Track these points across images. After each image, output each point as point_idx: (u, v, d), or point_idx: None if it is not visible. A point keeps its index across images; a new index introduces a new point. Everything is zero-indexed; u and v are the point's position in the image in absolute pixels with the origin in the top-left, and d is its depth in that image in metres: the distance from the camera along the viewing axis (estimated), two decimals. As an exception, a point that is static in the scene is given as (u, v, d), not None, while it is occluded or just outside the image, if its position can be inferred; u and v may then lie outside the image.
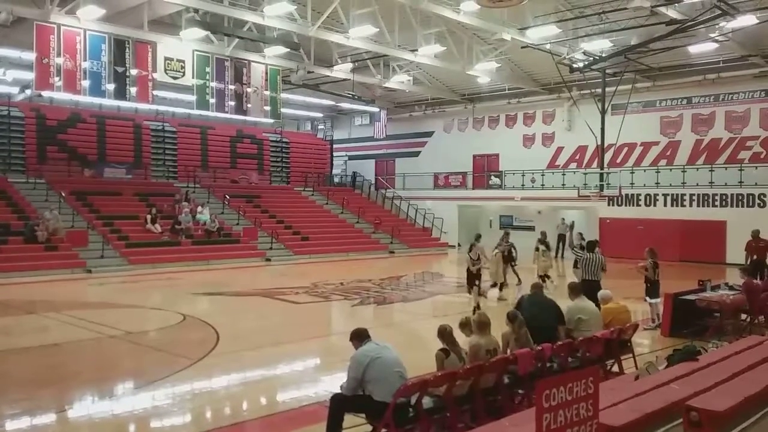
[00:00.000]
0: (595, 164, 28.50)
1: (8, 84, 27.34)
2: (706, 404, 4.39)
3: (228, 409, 7.79)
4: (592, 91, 27.67)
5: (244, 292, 17.35)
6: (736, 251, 21.33)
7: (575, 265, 13.49)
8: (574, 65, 25.62)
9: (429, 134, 37.25)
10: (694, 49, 24.12)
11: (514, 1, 17.30)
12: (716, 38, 22.53)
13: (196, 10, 21.36)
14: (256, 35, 24.07)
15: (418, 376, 6.13)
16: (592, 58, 25.14)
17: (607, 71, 26.60)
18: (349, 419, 5.96)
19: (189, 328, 12.53)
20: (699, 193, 25.41)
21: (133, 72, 22.21)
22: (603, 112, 26.92)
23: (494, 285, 15.87)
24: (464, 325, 6.99)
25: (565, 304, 8.58)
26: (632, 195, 26.96)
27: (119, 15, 21.37)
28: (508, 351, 6.98)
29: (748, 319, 11.38)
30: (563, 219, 28.33)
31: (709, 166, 26.01)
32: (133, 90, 22.53)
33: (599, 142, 27.03)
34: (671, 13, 20.36)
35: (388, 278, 20.11)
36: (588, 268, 12.03)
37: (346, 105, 35.89)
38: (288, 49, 24.86)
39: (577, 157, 30.86)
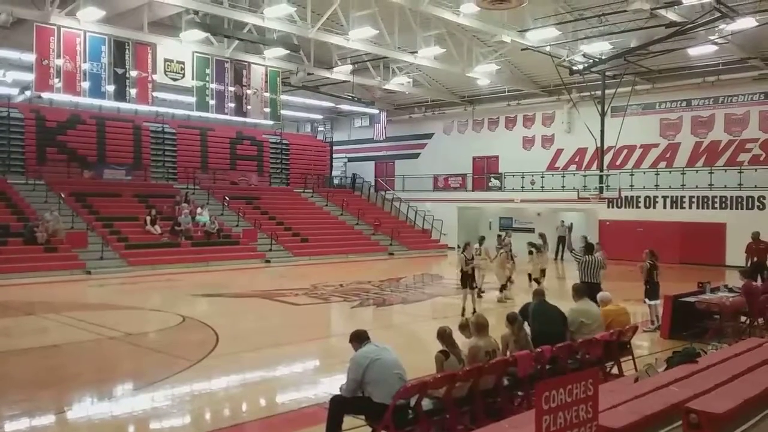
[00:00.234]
0: (594, 166, 28.52)
1: (8, 85, 27.35)
2: (705, 406, 4.39)
3: (227, 411, 7.79)
4: (592, 93, 27.68)
5: (243, 293, 17.35)
6: (735, 253, 21.33)
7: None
8: (574, 67, 25.64)
9: (429, 136, 37.27)
10: (693, 51, 24.15)
11: (514, 3, 17.29)
12: (716, 41, 22.54)
13: (196, 12, 21.38)
14: (256, 37, 24.09)
15: (418, 378, 6.12)
16: (591, 61, 25.16)
17: (607, 73, 26.62)
18: (348, 421, 5.96)
19: (188, 329, 12.52)
20: (698, 195, 25.42)
21: (133, 73, 22.21)
22: (602, 115, 26.95)
23: (503, 287, 15.87)
24: (464, 327, 6.99)
25: (562, 305, 8.56)
26: (632, 197, 26.98)
27: (119, 17, 21.38)
28: (508, 353, 6.98)
29: (748, 322, 11.37)
30: (563, 221, 28.36)
31: (709, 168, 26.02)
32: (133, 91, 22.53)
33: (599, 144, 27.06)
34: (671, 15, 20.37)
35: (387, 280, 20.11)
36: (587, 270, 12.03)
37: (345, 107, 35.92)
38: (288, 51, 24.88)
39: (577, 159, 30.87)
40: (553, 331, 7.73)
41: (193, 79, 23.63)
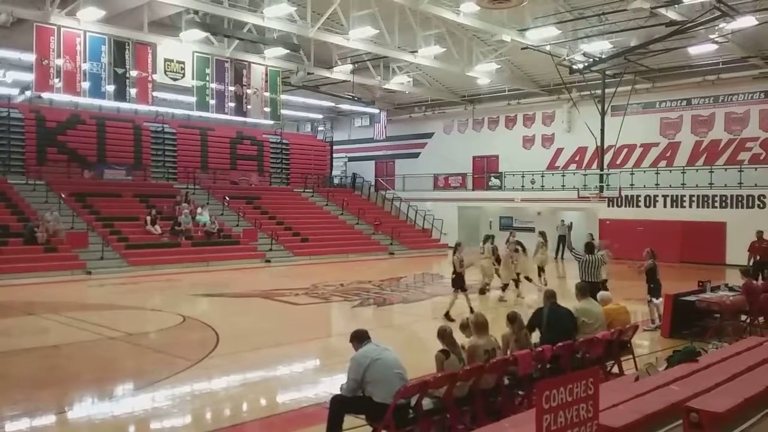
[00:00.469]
0: (594, 165, 28.53)
1: (8, 85, 27.36)
2: (706, 405, 4.39)
3: (228, 411, 7.79)
4: (592, 92, 27.68)
5: (243, 293, 17.35)
6: (735, 252, 21.37)
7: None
8: (574, 66, 25.63)
9: (429, 135, 37.27)
10: (693, 50, 24.14)
11: (514, 2, 17.31)
12: (716, 39, 22.53)
13: (196, 12, 21.38)
14: (256, 37, 24.09)
15: (418, 378, 6.12)
16: (591, 60, 25.15)
17: (607, 72, 26.62)
18: (349, 420, 5.95)
19: (189, 329, 12.52)
20: (699, 194, 25.40)
21: (133, 73, 22.22)
22: (603, 114, 26.95)
23: (506, 286, 15.90)
24: (464, 327, 6.99)
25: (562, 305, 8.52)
26: (632, 196, 26.96)
27: (119, 16, 21.37)
28: (508, 352, 6.98)
29: (748, 320, 11.36)
30: (563, 220, 28.36)
31: (709, 167, 26.02)
32: (133, 91, 22.55)
33: (599, 144, 27.06)
34: (671, 14, 20.38)
35: (387, 279, 20.10)
36: (587, 269, 12.01)
37: (345, 106, 35.92)
38: (288, 51, 24.89)
39: (577, 159, 30.87)
40: (563, 333, 7.58)
41: (193, 78, 23.65)
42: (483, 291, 16.15)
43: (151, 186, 28.87)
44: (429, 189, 34.98)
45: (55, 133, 27.83)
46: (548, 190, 30.25)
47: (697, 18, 20.10)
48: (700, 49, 24.04)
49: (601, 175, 27.14)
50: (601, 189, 26.90)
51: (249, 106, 25.80)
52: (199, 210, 26.11)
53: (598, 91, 27.24)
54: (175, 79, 23.32)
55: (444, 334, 6.40)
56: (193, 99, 24.39)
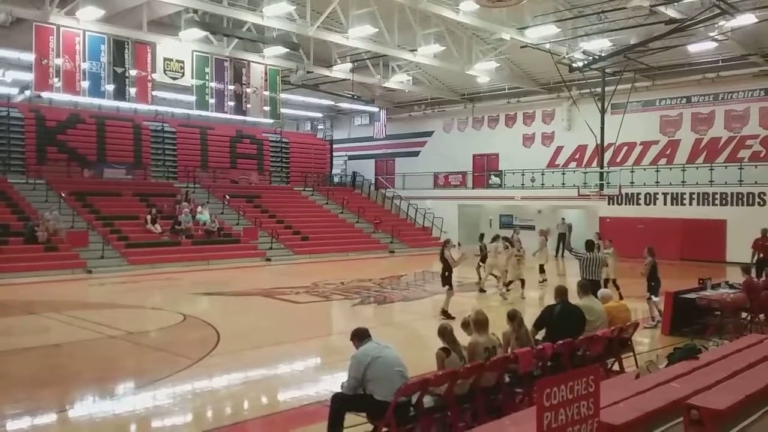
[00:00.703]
0: (594, 163, 28.54)
1: (8, 85, 27.35)
2: (706, 402, 4.39)
3: (229, 409, 7.79)
4: (592, 90, 27.68)
5: (244, 291, 17.35)
6: (736, 250, 21.38)
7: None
8: (574, 65, 25.63)
9: (429, 134, 37.26)
10: (693, 48, 24.13)
11: (513, 0, 17.30)
12: (715, 37, 22.53)
13: (195, 11, 21.38)
14: (256, 35, 24.08)
15: (419, 376, 6.13)
16: (591, 58, 25.15)
17: (607, 70, 26.62)
18: (350, 418, 5.96)
19: (189, 327, 12.53)
20: (699, 191, 25.39)
21: (133, 73, 22.22)
22: (602, 112, 26.95)
23: (510, 283, 16.15)
24: (466, 325, 6.99)
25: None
26: (632, 194, 26.96)
27: (118, 16, 21.37)
28: (509, 350, 6.98)
29: (749, 318, 11.37)
30: (563, 219, 28.35)
31: (709, 164, 26.01)
32: (133, 90, 22.55)
33: (599, 142, 27.07)
34: (670, 12, 20.37)
35: (388, 278, 20.11)
36: (588, 268, 12.00)
37: (345, 105, 35.91)
38: (287, 50, 24.88)
39: (577, 157, 30.86)
40: (572, 331, 7.49)
41: (192, 77, 23.65)
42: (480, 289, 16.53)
43: (151, 185, 28.86)
44: (429, 187, 34.98)
45: (54, 132, 27.81)
46: (548, 188, 30.25)
47: (696, 16, 20.09)
48: (699, 47, 24.03)
49: (602, 173, 27.15)
50: (602, 187, 26.92)
51: (248, 105, 25.81)
52: (199, 209, 26.11)
53: (598, 89, 27.25)
54: (174, 78, 23.33)
55: (444, 332, 6.41)
56: (192, 98, 24.39)
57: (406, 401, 5.73)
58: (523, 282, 16.22)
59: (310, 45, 25.70)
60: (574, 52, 25.02)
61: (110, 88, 21.89)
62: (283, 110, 29.33)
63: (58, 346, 10.90)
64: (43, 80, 20.46)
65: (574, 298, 8.35)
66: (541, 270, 18.88)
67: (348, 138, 41.16)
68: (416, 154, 37.50)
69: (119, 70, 21.79)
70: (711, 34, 22.32)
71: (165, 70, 22.88)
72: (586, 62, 25.37)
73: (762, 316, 11.43)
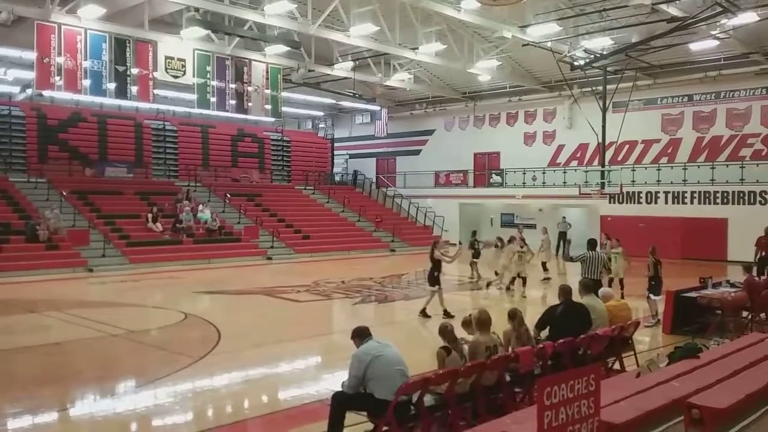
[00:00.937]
0: (596, 162, 28.51)
1: (9, 83, 27.38)
2: (707, 401, 4.39)
3: (229, 408, 7.80)
4: (593, 88, 27.65)
5: (245, 290, 17.35)
6: (737, 249, 21.37)
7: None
8: (575, 63, 25.59)
9: (430, 132, 37.25)
10: (695, 46, 24.10)
11: (514, -1, 17.31)
12: (717, 35, 22.50)
13: (197, 9, 21.34)
14: (257, 34, 24.06)
15: (420, 374, 6.13)
16: (593, 56, 25.12)
17: (608, 69, 26.59)
18: (350, 417, 5.96)
19: (190, 326, 12.55)
20: (700, 190, 25.38)
21: (134, 71, 22.22)
22: (604, 110, 26.92)
23: (513, 281, 16.52)
24: (467, 324, 6.99)
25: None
26: (633, 193, 26.94)
27: (120, 14, 21.38)
28: (510, 349, 6.98)
29: (750, 317, 11.36)
30: (564, 217, 28.34)
31: (711, 163, 25.98)
32: (134, 89, 22.55)
33: (600, 140, 27.04)
34: (672, 10, 20.34)
35: (389, 276, 20.11)
36: (590, 266, 11.98)
37: (346, 103, 35.90)
38: (289, 48, 24.86)
39: (578, 155, 30.84)
40: (577, 331, 7.41)
41: (194, 76, 23.65)
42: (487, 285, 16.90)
43: (152, 183, 28.88)
44: (430, 186, 34.99)
45: (56, 130, 27.83)
46: (549, 187, 30.24)
47: (698, 14, 20.06)
48: (701, 45, 24.01)
49: (603, 172, 27.12)
50: (603, 185, 26.89)
51: (250, 104, 25.81)
52: (200, 207, 26.13)
53: (600, 88, 27.22)
54: (176, 77, 23.34)
55: (445, 331, 6.41)
56: (194, 96, 24.38)
57: (406, 400, 5.73)
58: (524, 280, 16.30)
59: (311, 43, 25.69)
60: (575, 51, 24.99)
61: (111, 86, 21.89)
62: (284, 109, 29.31)
63: (59, 344, 10.91)
64: (45, 79, 20.46)
65: (575, 297, 8.34)
66: (545, 268, 19.17)
67: (349, 136, 41.16)
68: (417, 152, 37.50)
69: (121, 68, 21.80)
70: (713, 33, 22.29)
71: (166, 69, 22.89)
72: (587, 60, 25.34)
73: (763, 315, 11.44)
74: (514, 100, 32.80)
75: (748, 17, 20.03)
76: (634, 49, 24.31)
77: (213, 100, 24.61)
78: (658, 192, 26.41)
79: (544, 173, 30.97)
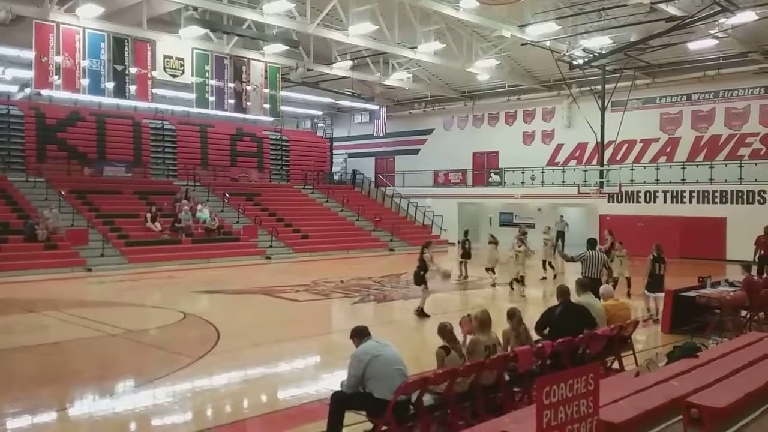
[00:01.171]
0: (594, 161, 28.52)
1: (7, 83, 27.36)
2: (706, 401, 4.40)
3: (228, 407, 7.80)
4: (592, 88, 27.65)
5: (244, 290, 17.35)
6: (736, 248, 21.38)
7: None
8: (574, 62, 25.59)
9: (429, 132, 37.25)
10: (693, 45, 24.11)
11: (513, -2, 17.31)
12: (716, 35, 22.51)
13: (195, 8, 21.35)
14: (256, 33, 24.05)
15: (419, 374, 6.13)
16: (591, 55, 25.11)
17: (607, 68, 26.59)
18: (349, 417, 5.96)
19: (189, 326, 12.54)
20: (699, 189, 25.40)
21: (133, 70, 22.20)
22: (603, 109, 26.93)
23: (513, 281, 16.56)
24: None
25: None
26: (632, 192, 26.96)
27: (118, 13, 21.36)
28: (509, 348, 6.98)
29: (749, 316, 11.37)
30: (562, 216, 28.35)
31: (709, 162, 26.00)
32: (133, 88, 22.53)
33: (599, 139, 27.04)
34: (671, 9, 20.34)
35: (388, 276, 20.11)
36: (590, 266, 11.95)
37: (345, 103, 35.89)
38: (287, 47, 24.85)
39: (577, 154, 30.86)
40: (576, 332, 7.36)
41: (192, 75, 23.64)
42: (512, 284, 17.08)
43: (151, 183, 28.86)
44: (429, 185, 35.00)
45: (54, 130, 27.79)
46: (548, 186, 30.26)
47: (697, 13, 20.07)
48: (700, 45, 24.02)
49: (602, 171, 27.13)
50: (602, 185, 26.90)
51: (248, 103, 25.80)
52: (199, 207, 26.11)
53: (598, 87, 27.22)
54: (174, 76, 23.32)
55: (444, 331, 6.42)
56: (192, 96, 24.37)
57: (405, 399, 5.73)
58: (522, 279, 16.32)
59: (310, 42, 25.68)
60: (574, 50, 24.99)
61: (110, 85, 21.87)
62: (283, 108, 29.32)
63: (57, 344, 10.90)
64: (43, 78, 20.44)
65: (573, 298, 8.35)
66: (544, 266, 19.32)
67: (348, 136, 41.15)
68: (416, 152, 37.50)
69: (119, 67, 21.78)
70: (711, 32, 22.29)
71: (165, 68, 22.87)
72: (586, 60, 25.34)
73: (762, 314, 11.44)
74: (513, 99, 32.80)
75: (746, 16, 20.04)
76: (632, 49, 24.32)
77: (212, 99, 24.60)
78: (657, 191, 26.43)
79: (542, 172, 30.98)
